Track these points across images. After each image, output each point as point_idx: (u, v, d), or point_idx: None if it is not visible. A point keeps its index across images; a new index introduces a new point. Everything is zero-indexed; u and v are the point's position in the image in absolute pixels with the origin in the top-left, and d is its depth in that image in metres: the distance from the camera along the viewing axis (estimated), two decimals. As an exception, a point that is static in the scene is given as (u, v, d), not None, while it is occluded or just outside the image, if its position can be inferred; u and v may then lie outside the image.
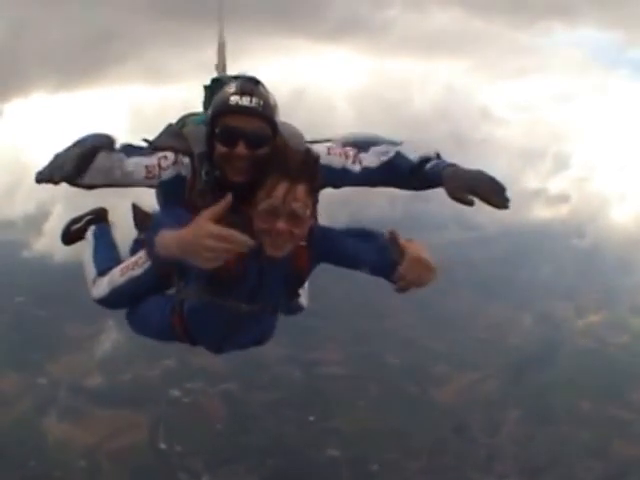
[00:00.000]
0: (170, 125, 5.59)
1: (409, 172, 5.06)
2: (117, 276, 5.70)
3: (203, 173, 5.17)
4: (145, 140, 5.34)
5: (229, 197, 4.03)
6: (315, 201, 4.97)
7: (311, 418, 38.04)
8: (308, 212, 4.62)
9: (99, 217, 6.27)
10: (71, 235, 6.48)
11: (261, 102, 4.96)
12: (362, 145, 5.54)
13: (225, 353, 5.85)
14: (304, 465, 34.96)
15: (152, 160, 5.22)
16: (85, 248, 6.24)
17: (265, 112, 4.97)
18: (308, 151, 4.89)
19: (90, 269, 6.02)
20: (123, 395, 30.52)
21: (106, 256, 6.01)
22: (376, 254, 4.92)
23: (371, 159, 5.35)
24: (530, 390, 45.85)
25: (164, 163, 5.18)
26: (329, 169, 5.22)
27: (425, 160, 5.11)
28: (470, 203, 4.70)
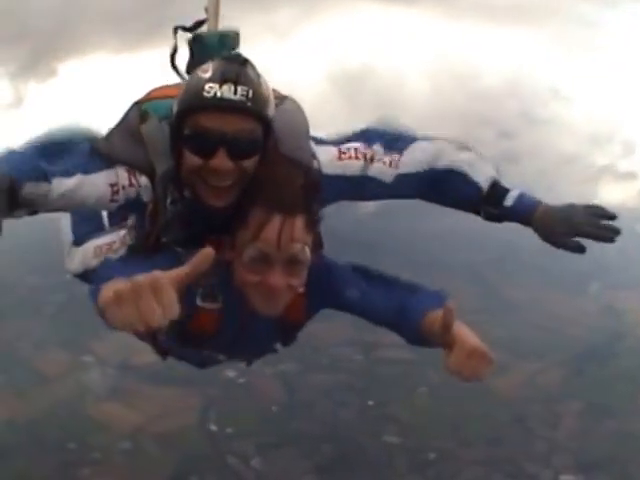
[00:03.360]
0: (133, 107, 4.21)
1: (474, 198, 3.84)
2: (90, 256, 4.65)
3: (168, 201, 3.85)
4: (94, 144, 3.99)
5: (208, 253, 2.96)
6: (315, 233, 3.76)
7: (370, 403, 37.29)
8: (308, 252, 3.47)
9: None
10: None
11: (250, 92, 3.79)
12: (390, 142, 4.21)
13: (210, 367, 4.88)
14: (360, 451, 34.16)
15: (112, 174, 3.90)
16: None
17: (255, 107, 3.77)
18: (308, 168, 3.64)
19: (66, 232, 4.84)
20: (176, 374, 29.56)
21: (85, 217, 4.82)
22: (396, 319, 3.81)
23: (410, 161, 4.04)
24: (591, 383, 44.70)
25: (123, 181, 3.89)
26: (342, 180, 3.95)
27: (495, 187, 3.92)
28: (581, 250, 3.71)
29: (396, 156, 4.28)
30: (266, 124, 3.69)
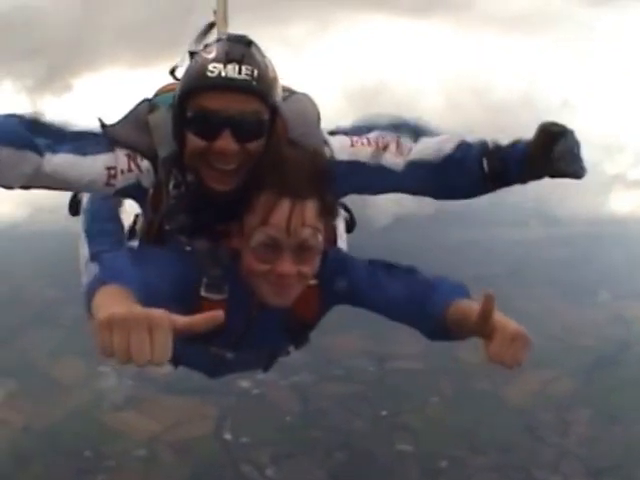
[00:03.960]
0: (143, 102, 4.21)
1: (478, 161, 3.81)
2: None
3: (171, 185, 3.83)
4: (101, 125, 4.00)
5: (218, 316, 2.82)
6: (328, 220, 3.69)
7: (383, 413, 37.56)
8: (321, 239, 3.43)
9: None
10: (79, 204, 5.25)
11: (255, 72, 3.65)
12: (403, 131, 4.19)
13: (221, 377, 4.79)
14: (373, 459, 34.46)
15: (111, 158, 3.88)
16: (80, 218, 5.02)
17: (260, 87, 3.67)
18: (317, 151, 3.60)
19: (83, 247, 4.76)
20: (192, 385, 30.00)
21: (103, 233, 4.74)
22: (416, 311, 3.71)
23: (423, 150, 4.03)
24: (600, 391, 45.08)
25: (122, 166, 3.85)
26: (355, 168, 3.91)
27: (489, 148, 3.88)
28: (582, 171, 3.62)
29: (408, 145, 4.23)
30: (272, 106, 3.64)
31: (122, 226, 4.83)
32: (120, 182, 3.82)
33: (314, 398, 44.46)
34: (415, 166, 4.02)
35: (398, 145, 4.06)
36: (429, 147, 4.09)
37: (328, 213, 3.59)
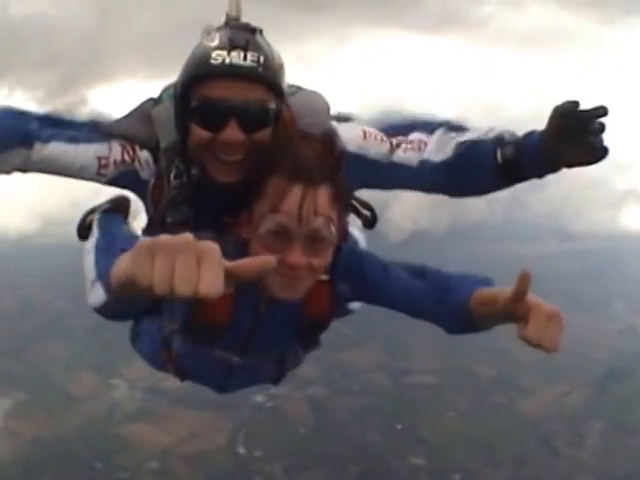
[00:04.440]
0: (148, 100, 3.89)
1: (493, 152, 3.42)
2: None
3: (172, 174, 3.48)
4: (100, 123, 3.73)
5: (269, 262, 2.23)
6: (342, 211, 3.28)
7: (398, 427, 37.47)
8: (334, 229, 3.01)
9: (117, 208, 4.51)
10: (87, 229, 4.93)
11: (261, 59, 3.18)
12: (415, 129, 3.81)
13: (231, 392, 4.34)
14: (387, 473, 34.43)
15: (103, 148, 3.58)
16: (88, 242, 4.69)
17: (266, 74, 3.23)
18: (328, 133, 3.22)
19: (89, 269, 4.40)
20: (206, 398, 29.80)
21: (111, 255, 4.33)
22: (437, 302, 3.29)
23: (439, 146, 3.65)
24: (614, 403, 45.12)
25: (115, 156, 3.56)
26: (365, 162, 3.54)
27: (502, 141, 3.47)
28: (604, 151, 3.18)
29: (423, 140, 3.85)
30: (278, 93, 3.25)
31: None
32: (112, 172, 3.47)
33: (329, 411, 44.74)
34: (429, 163, 3.63)
35: (413, 141, 3.66)
36: (444, 142, 3.69)
37: (341, 202, 3.15)
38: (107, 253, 4.28)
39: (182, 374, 4.04)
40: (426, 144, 3.63)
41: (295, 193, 2.90)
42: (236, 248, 3.03)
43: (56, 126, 3.53)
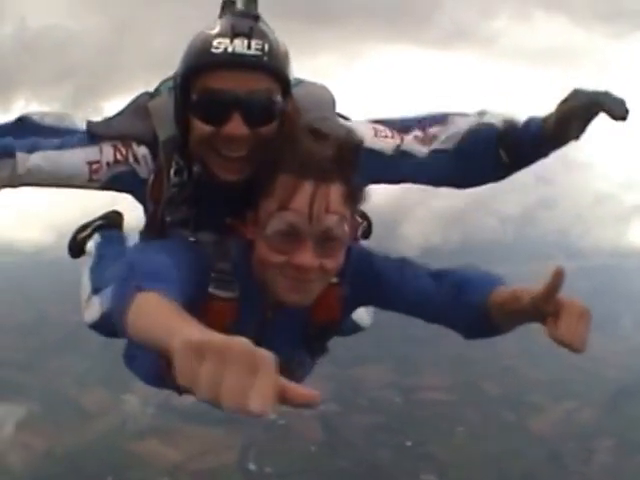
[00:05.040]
0: (143, 94, 3.66)
1: (495, 143, 3.27)
2: (107, 299, 3.94)
3: (172, 171, 3.27)
4: (89, 124, 3.52)
5: (314, 397, 1.80)
6: (354, 210, 3.04)
7: (408, 443, 37.28)
8: (347, 229, 2.78)
9: (110, 223, 4.40)
10: (79, 246, 4.81)
11: (266, 47, 2.88)
12: (424, 123, 3.67)
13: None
14: None
15: (93, 151, 3.37)
16: (84, 262, 4.59)
17: (272, 63, 2.93)
18: (345, 129, 3.03)
19: (85, 286, 4.28)
20: (217, 414, 29.60)
21: (107, 270, 4.24)
22: (454, 303, 3.09)
23: (443, 138, 3.52)
24: (623, 420, 44.91)
25: (107, 158, 3.33)
26: (376, 156, 3.31)
27: (511, 127, 3.32)
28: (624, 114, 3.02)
29: (431, 132, 3.71)
30: (285, 84, 2.98)
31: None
32: (105, 175, 3.19)
33: (339, 428, 44.62)
34: (438, 153, 3.51)
35: (421, 132, 3.53)
36: (449, 133, 3.56)
37: (354, 200, 2.94)
38: (104, 271, 4.21)
39: (182, 387, 3.77)
40: (435, 136, 3.53)
41: (305, 190, 2.60)
42: (240, 250, 2.88)
43: (38, 133, 3.33)
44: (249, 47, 2.78)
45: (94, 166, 3.16)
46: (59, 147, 3.16)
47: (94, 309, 3.74)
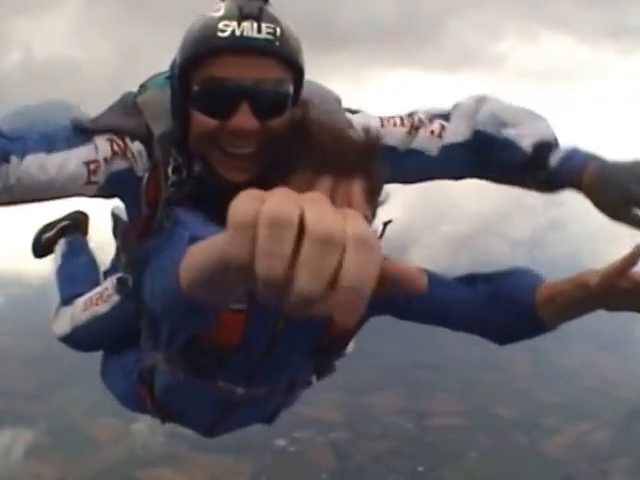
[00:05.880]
0: (128, 94, 3.33)
1: (519, 164, 3.05)
2: (79, 311, 3.68)
3: (170, 169, 2.92)
4: (75, 122, 3.12)
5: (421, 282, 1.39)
6: (375, 211, 2.76)
7: (420, 469, 37.19)
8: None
9: (76, 224, 4.30)
10: (43, 246, 4.62)
11: (277, 31, 2.53)
12: (433, 112, 3.41)
13: (219, 435, 3.80)
14: None
15: (88, 150, 2.98)
16: (51, 267, 4.44)
17: (285, 49, 2.58)
18: (366, 125, 2.76)
19: (55, 294, 4.06)
20: (227, 442, 29.64)
21: (74, 279, 4.02)
22: (482, 301, 2.86)
23: (457, 128, 3.24)
24: (638, 441, 44.73)
25: (104, 153, 2.95)
26: (386, 151, 2.99)
27: (541, 147, 3.05)
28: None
29: (441, 125, 3.43)
30: (298, 73, 2.64)
31: (94, 274, 4.12)
32: (104, 173, 2.89)
33: (351, 455, 44.67)
34: (450, 148, 3.27)
35: (430, 124, 3.28)
36: (461, 126, 3.31)
37: (376, 199, 2.68)
38: (73, 282, 4.02)
39: (165, 414, 3.48)
40: (446, 129, 3.28)
41: (324, 187, 2.44)
42: None
43: (26, 139, 2.96)
44: (259, 30, 2.43)
45: (92, 166, 2.77)
46: (50, 149, 2.80)
47: (64, 322, 3.53)
